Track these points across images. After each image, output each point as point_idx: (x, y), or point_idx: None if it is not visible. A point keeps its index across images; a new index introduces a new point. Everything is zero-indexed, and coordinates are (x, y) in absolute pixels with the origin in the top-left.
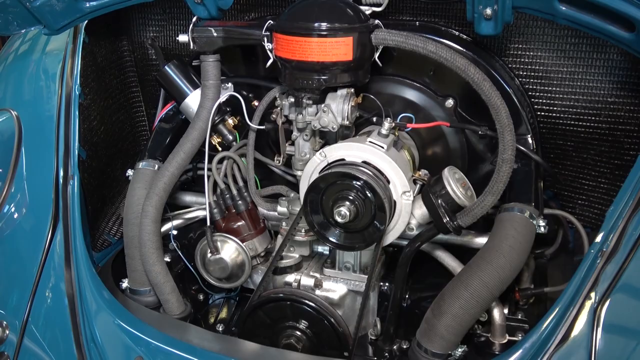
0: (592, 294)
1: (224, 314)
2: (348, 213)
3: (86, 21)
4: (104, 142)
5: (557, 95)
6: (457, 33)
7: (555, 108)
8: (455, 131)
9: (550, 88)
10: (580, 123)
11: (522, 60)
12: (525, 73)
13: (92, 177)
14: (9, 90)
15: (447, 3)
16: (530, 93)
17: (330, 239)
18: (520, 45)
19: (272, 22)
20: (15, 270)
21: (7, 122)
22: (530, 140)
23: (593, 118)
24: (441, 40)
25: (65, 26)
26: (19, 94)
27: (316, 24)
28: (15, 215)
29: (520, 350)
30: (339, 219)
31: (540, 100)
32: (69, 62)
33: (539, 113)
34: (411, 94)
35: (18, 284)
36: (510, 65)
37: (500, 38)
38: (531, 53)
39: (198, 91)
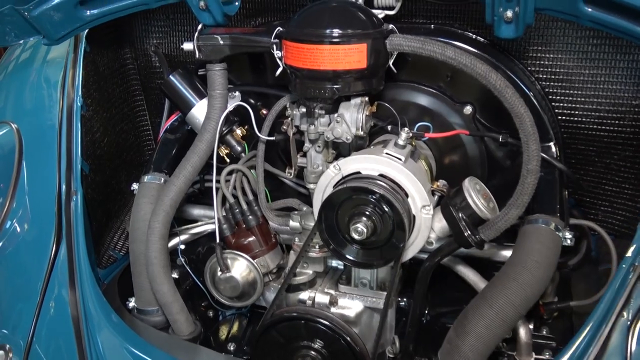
0: (625, 312)
1: (235, 331)
2: (365, 229)
3: (87, 29)
4: (107, 155)
5: (578, 99)
6: (473, 36)
7: (577, 112)
8: (474, 139)
9: (571, 91)
10: (603, 127)
11: (542, 63)
12: (545, 76)
13: (96, 191)
14: (9, 102)
15: (463, 4)
16: (551, 97)
17: (347, 256)
18: (540, 48)
19: (281, 29)
20: (18, 290)
21: (7, 136)
22: (553, 148)
23: (616, 122)
24: (459, 44)
25: (65, 36)
26: (19, 106)
27: (328, 31)
28: (18, 231)
29: None
30: (355, 236)
31: (562, 105)
32: (70, 72)
33: (560, 117)
34: (427, 101)
35: (21, 305)
36: (530, 69)
37: (519, 40)
38: (551, 55)
39: (204, 101)
